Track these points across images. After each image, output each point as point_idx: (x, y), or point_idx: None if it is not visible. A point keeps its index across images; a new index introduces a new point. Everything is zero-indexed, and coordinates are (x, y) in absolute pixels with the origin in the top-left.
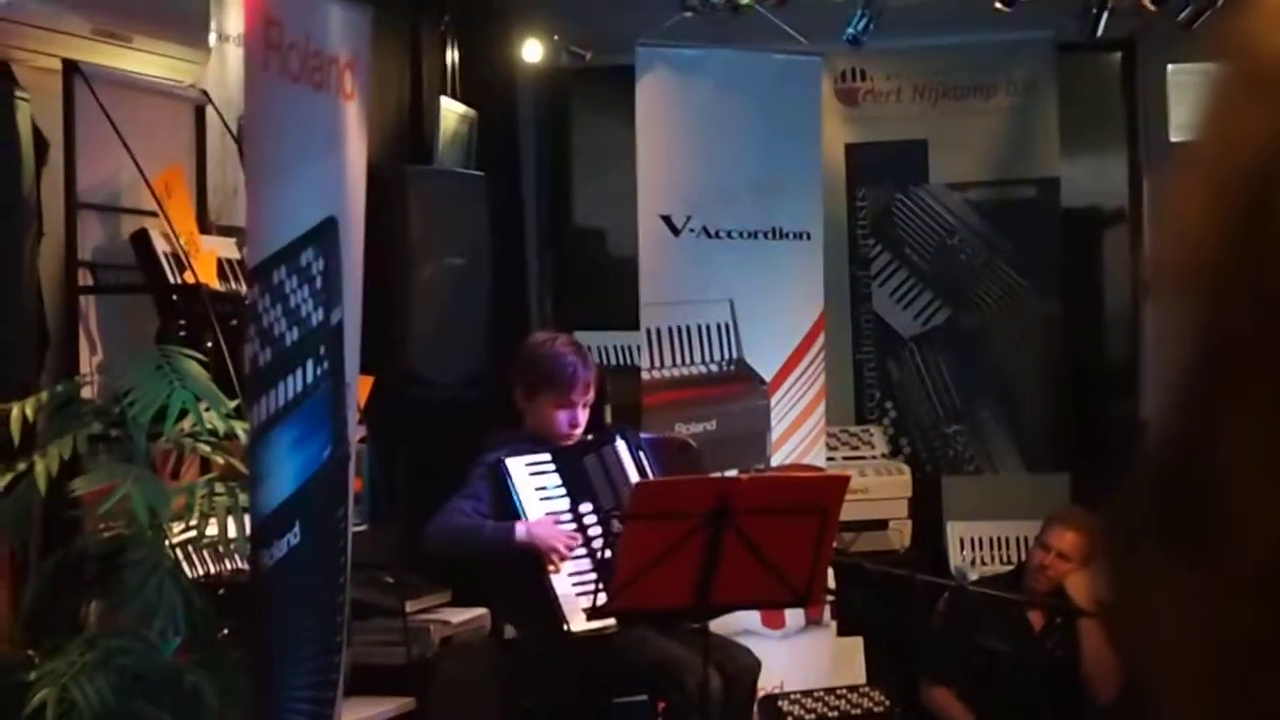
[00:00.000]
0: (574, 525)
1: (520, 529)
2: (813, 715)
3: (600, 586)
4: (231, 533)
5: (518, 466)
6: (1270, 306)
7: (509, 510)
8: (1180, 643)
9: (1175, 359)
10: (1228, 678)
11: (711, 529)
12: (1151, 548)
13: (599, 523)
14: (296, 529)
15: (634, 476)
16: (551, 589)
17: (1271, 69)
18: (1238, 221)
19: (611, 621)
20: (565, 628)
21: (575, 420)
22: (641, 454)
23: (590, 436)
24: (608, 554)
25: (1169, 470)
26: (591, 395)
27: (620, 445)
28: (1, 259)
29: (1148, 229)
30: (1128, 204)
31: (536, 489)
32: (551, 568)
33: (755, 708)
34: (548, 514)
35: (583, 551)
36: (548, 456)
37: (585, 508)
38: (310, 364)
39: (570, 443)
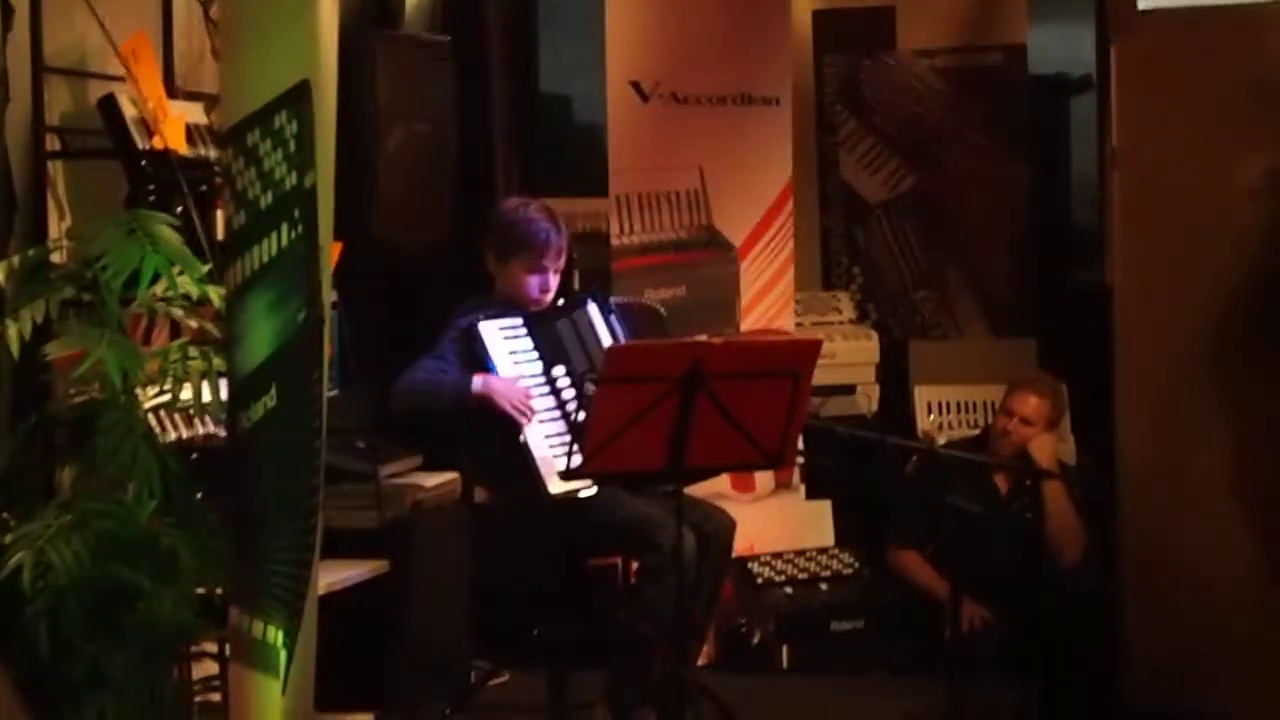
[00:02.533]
0: (547, 388)
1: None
2: (783, 577)
3: (574, 448)
4: (206, 397)
5: (491, 330)
6: None
7: (483, 373)
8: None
9: None
10: None
11: (684, 392)
12: (1255, 337)
13: (572, 385)
14: (273, 391)
15: (606, 340)
16: (529, 450)
17: None
18: None
19: (588, 483)
20: (544, 490)
21: (547, 285)
22: (613, 317)
23: (561, 301)
24: (581, 416)
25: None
26: (563, 261)
27: (592, 308)
28: None
29: (1115, 96)
30: (1095, 71)
31: (510, 353)
32: (524, 423)
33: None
34: (521, 378)
35: (557, 414)
36: (520, 320)
37: (558, 370)
38: (285, 227)
39: (541, 308)
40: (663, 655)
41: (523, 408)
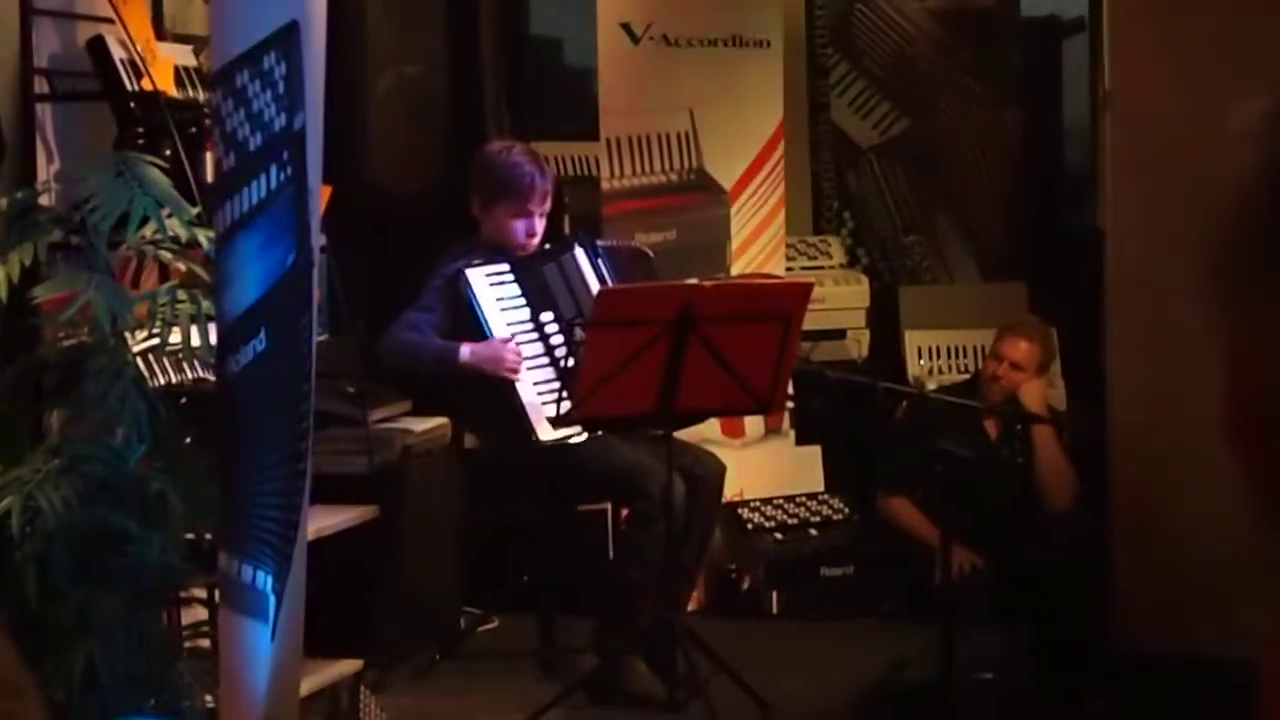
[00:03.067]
0: (535, 335)
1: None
2: (773, 523)
3: (564, 395)
4: (195, 340)
5: (478, 277)
6: None
7: (470, 321)
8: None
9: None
10: None
11: (675, 336)
12: (1253, 260)
13: (560, 331)
14: (262, 335)
15: (594, 285)
16: (519, 399)
17: None
18: None
19: (578, 429)
20: (534, 437)
21: (532, 229)
22: (600, 261)
23: (548, 246)
24: (570, 362)
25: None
26: (548, 205)
27: (579, 253)
28: None
29: (1107, 38)
30: (1088, 13)
31: (497, 299)
32: (514, 377)
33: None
34: (509, 324)
35: (545, 360)
36: (506, 267)
37: (546, 317)
38: (274, 169)
39: (528, 252)
40: (652, 601)
41: (512, 369)
